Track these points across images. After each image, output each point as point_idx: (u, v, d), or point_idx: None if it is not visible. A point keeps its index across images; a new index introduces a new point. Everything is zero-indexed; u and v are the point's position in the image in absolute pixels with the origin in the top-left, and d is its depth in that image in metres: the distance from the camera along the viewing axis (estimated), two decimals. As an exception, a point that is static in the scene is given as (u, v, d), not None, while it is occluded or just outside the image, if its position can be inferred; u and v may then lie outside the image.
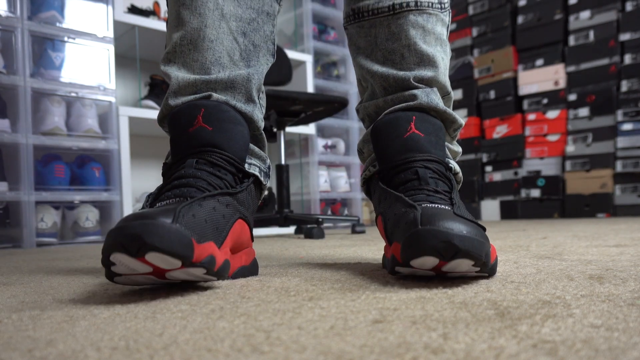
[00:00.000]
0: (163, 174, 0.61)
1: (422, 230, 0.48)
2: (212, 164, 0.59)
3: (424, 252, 0.47)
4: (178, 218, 0.47)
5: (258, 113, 0.68)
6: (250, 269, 0.65)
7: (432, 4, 0.69)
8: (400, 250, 0.50)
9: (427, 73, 0.68)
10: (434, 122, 0.64)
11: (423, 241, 0.47)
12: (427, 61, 0.68)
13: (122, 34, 2.24)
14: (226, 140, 0.60)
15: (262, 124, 0.69)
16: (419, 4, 0.69)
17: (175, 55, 0.65)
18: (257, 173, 0.65)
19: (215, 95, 0.63)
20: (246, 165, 0.63)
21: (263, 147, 0.69)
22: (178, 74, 0.65)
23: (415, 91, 0.66)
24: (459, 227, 0.48)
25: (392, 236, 0.56)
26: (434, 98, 0.67)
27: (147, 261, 0.44)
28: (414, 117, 0.63)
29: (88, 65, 2.05)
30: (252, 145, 0.66)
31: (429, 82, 0.68)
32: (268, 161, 0.69)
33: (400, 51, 0.69)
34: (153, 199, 0.56)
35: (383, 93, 0.70)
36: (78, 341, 0.33)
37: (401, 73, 0.68)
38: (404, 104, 0.66)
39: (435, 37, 0.69)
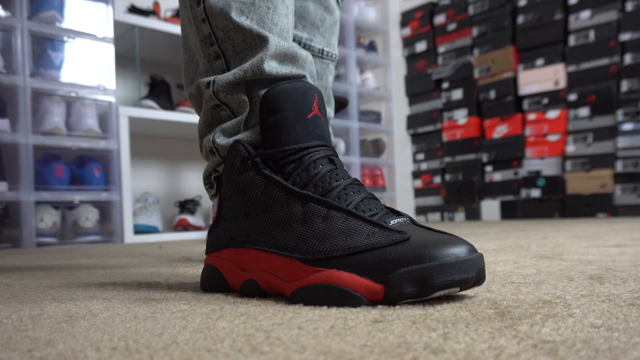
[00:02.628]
0: (286, 156, 0.52)
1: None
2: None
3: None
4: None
5: None
6: None
7: (336, 56, 0.87)
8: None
9: (331, 113, 0.88)
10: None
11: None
12: (330, 103, 0.88)
13: (122, 34, 2.24)
14: (328, 135, 0.57)
15: None
16: (335, 57, 0.86)
17: (252, 10, 0.55)
18: None
19: (309, 78, 0.58)
20: None
21: None
22: (269, 34, 0.55)
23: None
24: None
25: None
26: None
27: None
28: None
29: (88, 65, 2.05)
30: None
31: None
32: None
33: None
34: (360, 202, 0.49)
35: None
36: (78, 341, 0.33)
37: None
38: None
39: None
